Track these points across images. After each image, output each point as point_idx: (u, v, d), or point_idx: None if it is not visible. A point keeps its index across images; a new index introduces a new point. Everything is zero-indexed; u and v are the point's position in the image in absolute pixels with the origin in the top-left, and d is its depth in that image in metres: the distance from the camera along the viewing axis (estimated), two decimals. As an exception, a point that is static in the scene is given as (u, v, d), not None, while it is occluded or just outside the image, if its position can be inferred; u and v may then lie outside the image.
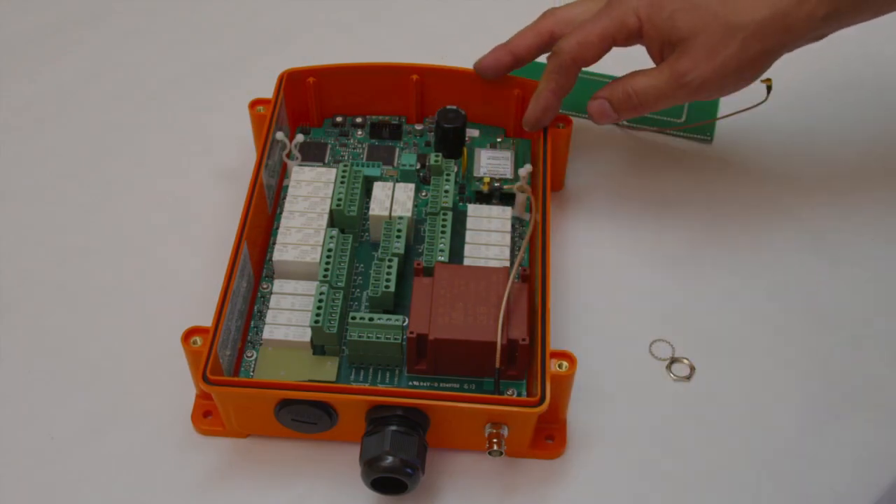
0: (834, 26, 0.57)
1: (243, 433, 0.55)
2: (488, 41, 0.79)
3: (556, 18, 0.62)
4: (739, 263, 0.64)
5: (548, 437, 0.55)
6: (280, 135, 0.62)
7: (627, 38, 0.58)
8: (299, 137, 0.64)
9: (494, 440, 0.51)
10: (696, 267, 0.64)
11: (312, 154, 0.67)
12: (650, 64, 0.58)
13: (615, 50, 0.79)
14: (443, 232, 0.60)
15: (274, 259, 0.59)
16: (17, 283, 0.63)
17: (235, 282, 0.54)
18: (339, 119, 0.69)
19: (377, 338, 0.54)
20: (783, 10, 0.55)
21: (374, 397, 0.50)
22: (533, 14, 0.82)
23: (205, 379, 0.50)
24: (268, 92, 0.65)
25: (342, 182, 0.62)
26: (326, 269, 0.57)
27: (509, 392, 0.55)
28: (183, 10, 0.82)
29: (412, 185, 0.62)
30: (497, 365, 0.53)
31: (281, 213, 0.62)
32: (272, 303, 0.57)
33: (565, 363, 0.52)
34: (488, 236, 0.60)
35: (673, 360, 0.59)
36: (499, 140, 0.68)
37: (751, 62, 0.56)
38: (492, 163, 0.65)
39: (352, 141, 0.68)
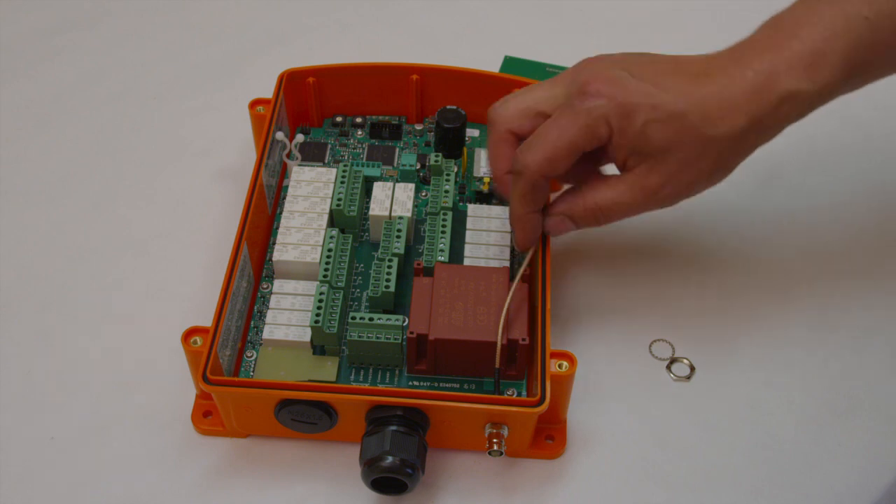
0: (808, 113, 0.54)
1: (243, 433, 0.55)
2: (488, 41, 0.79)
3: (515, 124, 0.56)
4: (739, 263, 0.64)
5: (548, 437, 0.55)
6: (280, 135, 0.62)
7: (595, 145, 0.53)
8: (299, 137, 0.64)
9: (494, 440, 0.51)
10: (697, 267, 0.64)
11: (312, 154, 0.67)
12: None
13: (616, 51, 0.79)
14: (443, 232, 0.60)
15: (274, 259, 0.59)
16: (17, 283, 0.63)
17: (235, 282, 0.54)
18: (339, 119, 0.69)
19: (377, 338, 0.54)
20: (759, 116, 0.51)
21: (374, 397, 0.50)
22: (533, 13, 0.83)
23: (205, 379, 0.50)
24: (268, 92, 0.65)
25: (342, 182, 0.62)
26: (326, 269, 0.57)
27: (509, 392, 0.55)
28: (183, 11, 0.82)
29: (412, 185, 0.62)
30: (496, 365, 0.53)
31: (281, 213, 0.62)
32: (272, 303, 0.57)
33: (565, 363, 0.52)
34: (488, 236, 0.60)
35: (673, 360, 0.59)
36: (499, 140, 0.67)
37: (725, 168, 0.54)
38: (492, 163, 0.65)
39: (352, 141, 0.68)
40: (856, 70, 0.52)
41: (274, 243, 0.60)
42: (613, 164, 0.54)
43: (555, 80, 0.55)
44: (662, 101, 0.51)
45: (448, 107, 0.65)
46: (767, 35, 0.53)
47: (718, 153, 0.52)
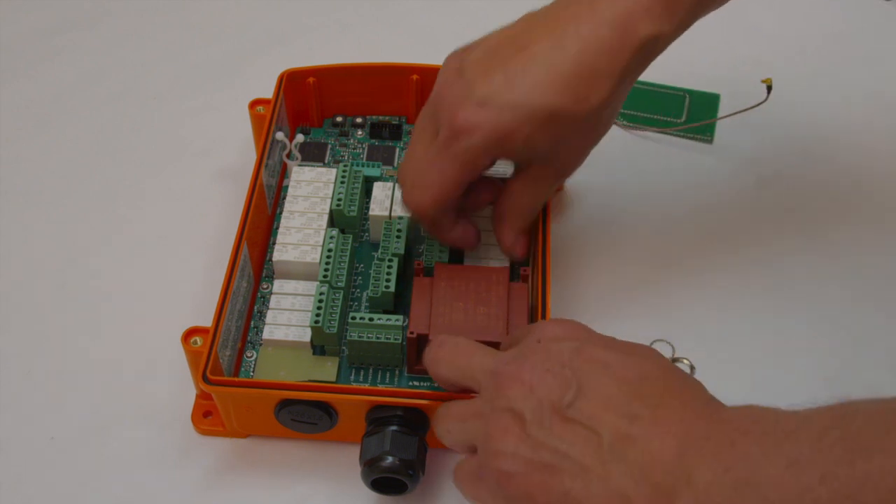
0: (661, 43, 0.53)
1: (243, 433, 0.55)
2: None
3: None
4: (739, 263, 0.64)
5: (548, 437, 0.55)
6: (280, 135, 0.62)
7: (481, 173, 0.53)
8: (299, 137, 0.64)
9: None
10: (697, 267, 0.64)
11: (312, 154, 0.67)
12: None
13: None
14: (443, 232, 0.60)
15: (274, 259, 0.59)
16: (17, 283, 0.63)
17: (235, 282, 0.54)
18: (339, 119, 0.69)
19: (377, 338, 0.54)
20: (625, 70, 0.51)
21: (374, 397, 0.50)
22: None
23: (205, 379, 0.50)
24: (268, 92, 0.65)
25: (342, 182, 0.62)
26: (326, 270, 0.57)
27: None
28: (183, 11, 0.82)
29: (412, 185, 0.62)
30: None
31: (281, 213, 0.62)
32: (272, 303, 0.57)
33: (565, 363, 0.52)
34: (488, 236, 0.60)
35: (673, 360, 0.59)
36: (499, 140, 0.67)
37: (609, 119, 0.53)
38: (492, 163, 0.65)
39: (352, 141, 0.68)
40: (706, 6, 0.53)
41: (274, 243, 0.60)
42: None
43: (422, 128, 0.54)
44: (532, 107, 0.50)
45: (448, 107, 0.65)
46: None
47: (600, 116, 0.52)
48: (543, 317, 0.53)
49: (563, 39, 0.50)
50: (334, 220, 0.61)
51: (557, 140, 0.51)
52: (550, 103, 0.50)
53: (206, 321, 0.53)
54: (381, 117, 0.69)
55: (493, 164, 0.53)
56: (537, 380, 0.43)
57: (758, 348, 0.60)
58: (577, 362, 0.43)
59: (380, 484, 0.51)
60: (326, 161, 0.67)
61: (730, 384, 0.58)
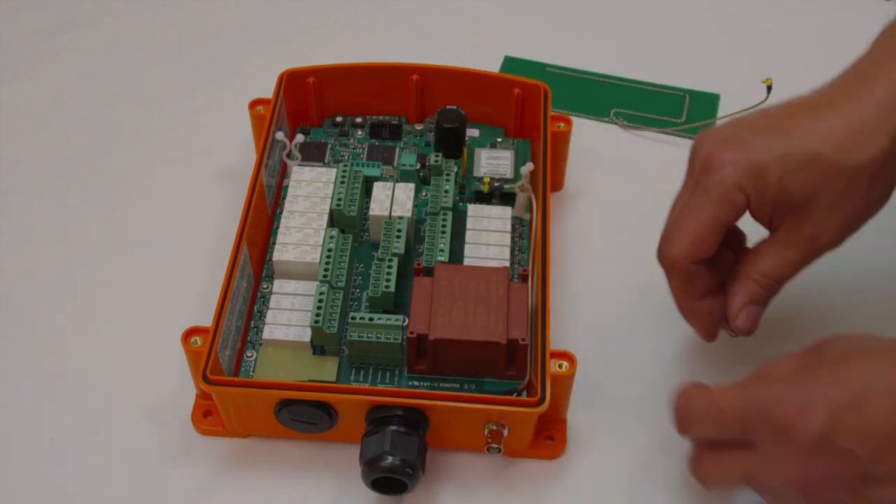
0: None
1: (243, 433, 0.55)
2: (488, 41, 0.79)
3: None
4: (739, 263, 0.64)
5: (548, 437, 0.55)
6: (280, 135, 0.62)
7: (738, 216, 0.50)
8: (299, 137, 0.64)
9: (492, 438, 0.51)
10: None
11: (312, 154, 0.67)
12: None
13: (616, 51, 0.79)
14: (443, 232, 0.60)
15: (274, 259, 0.59)
16: (17, 283, 0.63)
17: (235, 282, 0.54)
18: (339, 119, 0.69)
19: (377, 338, 0.54)
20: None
21: (374, 397, 0.50)
22: (533, 13, 0.83)
23: (205, 379, 0.50)
24: (268, 92, 0.65)
25: (342, 182, 0.62)
26: (326, 270, 0.57)
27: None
28: (183, 11, 0.82)
29: (412, 185, 0.62)
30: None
31: (281, 213, 0.62)
32: (272, 303, 0.57)
33: (565, 363, 0.52)
34: (488, 236, 0.60)
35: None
36: (499, 140, 0.68)
37: (882, 194, 0.49)
38: (492, 163, 0.65)
39: (352, 141, 0.68)
40: None
41: (274, 243, 0.60)
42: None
43: (687, 180, 0.52)
44: (790, 148, 0.48)
45: (448, 107, 0.65)
46: (884, 49, 0.49)
47: (868, 181, 0.48)
48: (544, 317, 0.53)
49: (830, 100, 0.49)
50: (334, 219, 0.61)
51: (814, 189, 0.48)
52: (811, 146, 0.48)
53: (206, 321, 0.53)
54: (381, 117, 0.69)
55: (748, 203, 0.49)
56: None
57: (757, 348, 0.60)
58: None
59: (380, 484, 0.51)
60: (326, 161, 0.67)
61: (718, 366, 0.59)
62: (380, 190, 0.62)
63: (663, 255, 0.51)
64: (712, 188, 0.49)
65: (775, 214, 0.49)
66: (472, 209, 0.62)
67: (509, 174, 0.65)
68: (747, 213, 0.50)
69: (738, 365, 0.59)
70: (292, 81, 0.66)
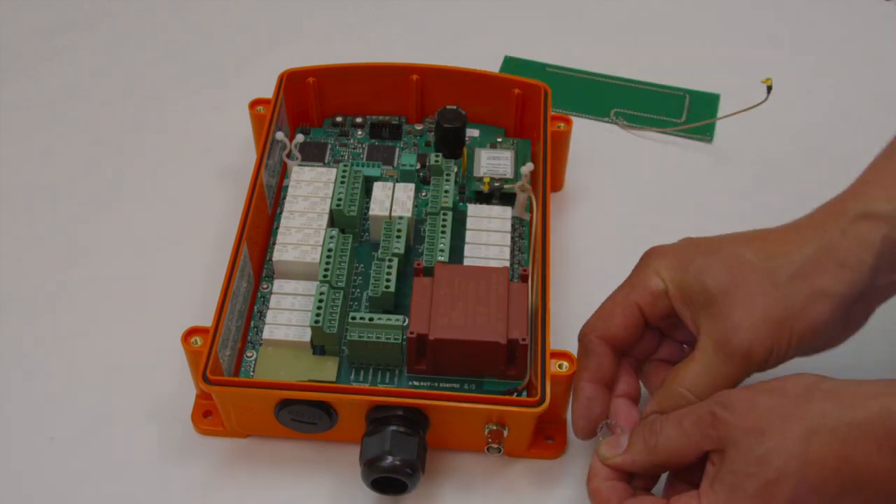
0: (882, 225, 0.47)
1: (243, 433, 0.55)
2: (488, 41, 0.79)
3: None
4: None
5: (548, 437, 0.55)
6: (280, 135, 0.62)
7: (653, 303, 0.50)
8: (299, 137, 0.64)
9: (492, 438, 0.51)
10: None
11: (312, 154, 0.67)
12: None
13: (616, 51, 0.79)
14: (443, 232, 0.60)
15: (274, 259, 0.59)
16: (17, 283, 0.63)
17: (235, 282, 0.54)
18: (339, 119, 0.69)
19: (377, 338, 0.54)
20: (828, 244, 0.47)
21: (374, 397, 0.50)
22: (533, 13, 0.83)
23: (205, 379, 0.50)
24: (268, 92, 0.65)
25: (342, 182, 0.62)
26: (326, 270, 0.57)
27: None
28: (183, 11, 0.82)
29: (412, 185, 0.62)
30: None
31: (281, 213, 0.62)
32: (272, 303, 0.57)
33: (565, 363, 0.52)
34: (488, 236, 0.60)
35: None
36: (499, 140, 0.68)
37: (801, 310, 0.46)
38: (492, 163, 0.65)
39: (352, 141, 0.68)
40: None
41: (274, 243, 0.60)
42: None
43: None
44: (718, 248, 0.49)
45: (448, 107, 0.65)
46: (849, 188, 0.49)
47: (785, 285, 0.47)
48: (544, 317, 0.53)
49: (774, 230, 0.50)
50: (334, 219, 0.61)
51: (728, 284, 0.47)
52: (735, 249, 0.49)
53: (206, 321, 0.53)
54: (380, 117, 0.69)
55: (665, 312, 0.50)
56: None
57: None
58: None
59: (380, 484, 0.50)
60: (326, 161, 0.67)
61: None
62: (380, 190, 0.62)
63: (581, 330, 0.52)
64: (634, 273, 0.52)
65: (697, 314, 0.49)
66: (472, 209, 0.62)
67: (509, 174, 0.65)
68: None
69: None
70: (292, 81, 0.66)
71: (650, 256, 0.52)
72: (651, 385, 0.53)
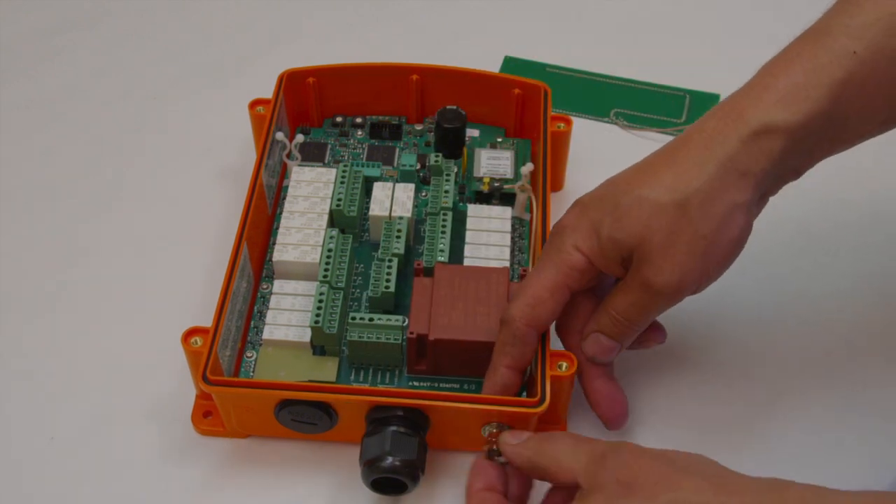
0: (807, 160, 0.49)
1: (243, 433, 0.55)
2: (488, 41, 0.79)
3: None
4: (737, 262, 0.64)
5: (548, 437, 0.55)
6: (280, 135, 0.62)
7: (581, 277, 0.50)
8: (299, 138, 0.64)
9: (494, 440, 0.51)
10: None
11: (312, 154, 0.67)
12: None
13: (616, 51, 0.79)
14: (443, 232, 0.60)
15: (274, 259, 0.59)
16: (17, 283, 0.63)
17: (235, 282, 0.54)
18: (339, 119, 0.69)
19: (377, 338, 0.54)
20: (727, 156, 0.47)
21: (374, 398, 0.50)
22: (533, 13, 0.83)
23: (205, 379, 0.50)
24: (268, 92, 0.65)
25: (342, 182, 0.62)
26: (326, 270, 0.57)
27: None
28: (183, 11, 0.82)
29: (412, 186, 0.62)
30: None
31: (281, 213, 0.62)
32: (272, 303, 0.57)
33: (565, 364, 0.52)
34: (488, 236, 0.60)
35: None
36: (499, 140, 0.68)
37: (719, 231, 0.47)
38: (492, 163, 0.65)
39: (352, 141, 0.68)
40: (844, 108, 0.47)
41: (274, 243, 0.60)
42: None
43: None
44: (618, 199, 0.49)
45: (448, 107, 0.65)
46: (741, 88, 0.49)
47: (697, 215, 0.47)
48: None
49: (672, 147, 0.49)
50: (334, 220, 0.61)
51: (642, 232, 0.48)
52: (636, 193, 0.48)
53: (206, 321, 0.53)
54: (380, 117, 0.69)
55: (594, 276, 0.50)
56: None
57: (757, 348, 0.60)
58: None
59: (380, 484, 0.50)
60: (326, 161, 0.67)
61: (729, 384, 0.59)
62: (380, 190, 0.62)
63: (504, 312, 0.51)
64: (553, 252, 0.50)
65: (624, 264, 0.49)
66: (472, 209, 0.62)
67: (509, 174, 0.65)
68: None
69: (737, 363, 0.59)
70: (292, 81, 0.66)
71: (561, 233, 0.51)
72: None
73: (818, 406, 0.57)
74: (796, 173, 0.49)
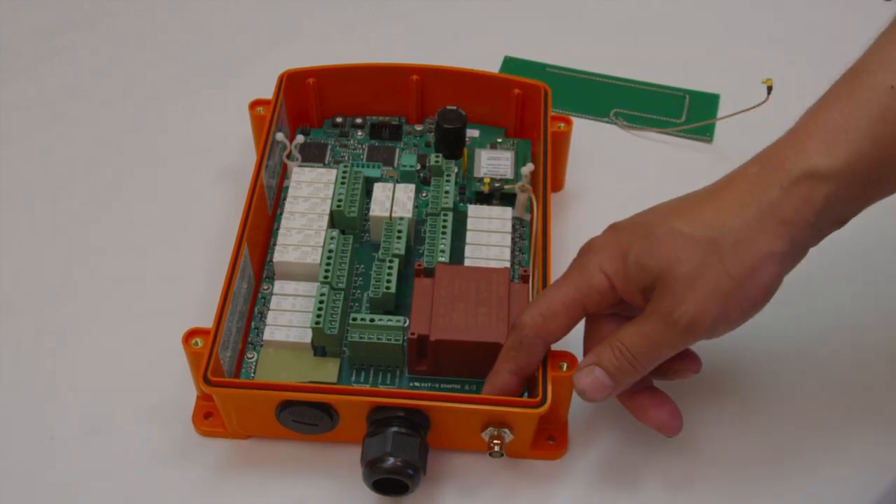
0: (851, 207, 0.47)
1: (244, 434, 0.55)
2: (488, 41, 0.79)
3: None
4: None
5: (549, 437, 0.55)
6: (280, 136, 0.62)
7: (600, 299, 0.49)
8: (299, 138, 0.64)
9: (495, 441, 0.51)
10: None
11: (312, 155, 0.67)
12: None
13: (616, 51, 0.79)
14: (443, 232, 0.60)
15: (274, 260, 0.59)
16: (17, 283, 0.63)
17: (236, 283, 0.54)
18: (339, 120, 0.69)
19: (378, 339, 0.54)
20: (769, 203, 0.45)
21: (375, 398, 0.50)
22: (533, 13, 0.83)
23: (206, 380, 0.50)
24: (268, 92, 0.65)
25: (342, 183, 0.62)
26: (327, 271, 0.57)
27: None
28: (183, 11, 0.82)
29: (412, 186, 0.62)
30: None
31: (281, 214, 0.62)
32: (273, 304, 0.57)
33: (566, 364, 0.52)
34: (489, 237, 0.60)
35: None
36: (499, 140, 0.68)
37: (749, 275, 0.46)
38: (492, 163, 0.65)
39: (352, 142, 0.68)
40: (886, 145, 0.45)
41: (274, 244, 0.60)
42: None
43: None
44: (652, 228, 0.48)
45: (448, 107, 0.65)
46: (785, 134, 0.48)
47: (730, 254, 0.46)
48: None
49: (713, 189, 0.49)
50: (335, 220, 0.61)
51: (670, 261, 0.46)
52: (672, 225, 0.47)
53: (207, 322, 0.53)
54: (381, 118, 0.69)
55: (612, 288, 0.49)
56: None
57: (756, 348, 0.60)
58: None
59: (381, 485, 0.51)
60: (326, 162, 0.67)
61: (729, 384, 0.59)
62: (380, 191, 0.62)
63: (517, 317, 0.51)
64: (577, 269, 0.50)
65: (645, 295, 0.48)
66: (473, 210, 0.62)
67: (509, 174, 0.65)
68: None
69: (737, 363, 0.59)
70: (292, 82, 0.66)
71: (589, 252, 0.50)
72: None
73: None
74: (840, 223, 0.47)
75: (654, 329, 0.47)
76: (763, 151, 0.48)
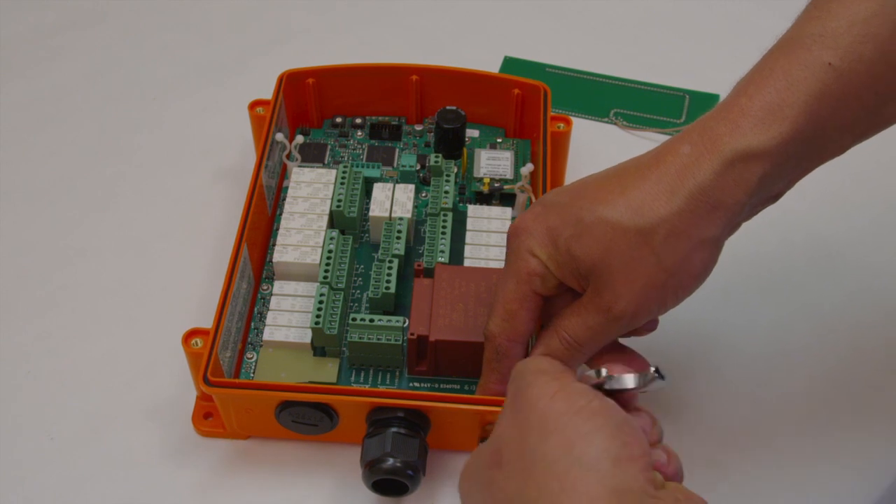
0: (786, 182, 0.46)
1: (244, 435, 0.55)
2: (488, 41, 0.79)
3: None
4: (737, 263, 0.64)
5: (548, 438, 0.55)
6: (280, 136, 0.62)
7: (544, 281, 0.48)
8: (299, 138, 0.64)
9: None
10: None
11: (312, 155, 0.67)
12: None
13: (616, 51, 0.79)
14: (443, 233, 0.60)
15: (274, 260, 0.59)
16: (17, 283, 0.63)
17: (235, 283, 0.54)
18: (338, 120, 0.69)
19: (378, 339, 0.54)
20: (699, 189, 0.44)
21: (374, 399, 0.50)
22: (533, 13, 0.83)
23: (206, 380, 0.50)
24: (268, 92, 0.65)
25: (342, 183, 0.62)
26: (326, 271, 0.57)
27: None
28: (183, 11, 0.82)
29: (412, 186, 0.62)
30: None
31: (281, 214, 0.62)
32: (272, 304, 0.57)
33: (565, 364, 0.52)
34: (488, 237, 0.60)
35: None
36: (499, 140, 0.68)
37: (682, 265, 0.45)
38: (492, 163, 0.65)
39: (351, 142, 0.68)
40: (821, 124, 0.44)
41: (274, 245, 0.60)
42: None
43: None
44: (580, 215, 0.46)
45: (448, 107, 0.65)
46: (716, 109, 0.46)
47: (661, 246, 0.44)
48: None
49: (644, 162, 0.46)
50: (334, 221, 0.61)
51: (602, 255, 0.45)
52: (599, 212, 0.45)
53: (207, 322, 0.53)
54: (380, 118, 0.69)
55: (548, 271, 0.48)
56: None
57: (756, 348, 0.60)
58: None
59: (381, 485, 0.51)
60: (326, 162, 0.67)
61: (729, 384, 0.59)
62: (380, 191, 0.62)
63: (485, 328, 0.50)
64: (511, 258, 0.49)
65: (580, 280, 0.47)
66: (472, 210, 0.62)
67: (509, 175, 0.65)
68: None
69: (737, 363, 0.59)
70: (292, 82, 0.66)
71: (518, 236, 0.48)
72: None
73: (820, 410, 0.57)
74: (774, 198, 0.47)
75: (597, 321, 0.47)
76: (694, 126, 0.45)
